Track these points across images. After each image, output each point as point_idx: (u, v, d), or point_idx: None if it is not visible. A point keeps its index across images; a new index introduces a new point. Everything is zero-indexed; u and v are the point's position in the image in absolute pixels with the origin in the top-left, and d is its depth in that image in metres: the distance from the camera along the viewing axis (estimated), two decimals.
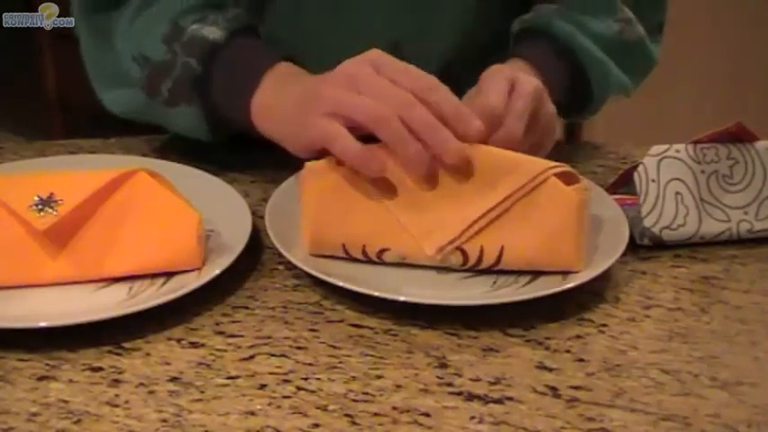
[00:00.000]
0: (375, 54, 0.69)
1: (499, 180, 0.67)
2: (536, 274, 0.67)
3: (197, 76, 0.79)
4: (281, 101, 0.74)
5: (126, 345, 0.61)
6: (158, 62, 0.80)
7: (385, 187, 0.68)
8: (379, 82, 0.66)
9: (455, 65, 0.90)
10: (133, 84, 0.82)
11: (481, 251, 0.67)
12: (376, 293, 0.64)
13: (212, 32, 0.78)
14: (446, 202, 0.67)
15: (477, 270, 0.68)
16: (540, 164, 0.67)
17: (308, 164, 0.72)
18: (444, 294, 0.66)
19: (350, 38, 0.84)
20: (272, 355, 0.61)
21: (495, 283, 0.67)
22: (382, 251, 0.68)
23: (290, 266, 0.70)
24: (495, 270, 0.68)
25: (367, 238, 0.68)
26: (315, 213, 0.68)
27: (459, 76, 0.90)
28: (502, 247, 0.66)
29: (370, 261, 0.69)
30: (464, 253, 0.67)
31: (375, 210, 0.68)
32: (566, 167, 0.68)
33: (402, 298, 0.64)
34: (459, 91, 0.91)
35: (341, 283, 0.65)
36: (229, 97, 0.78)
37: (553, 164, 0.68)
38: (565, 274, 0.67)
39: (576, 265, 0.67)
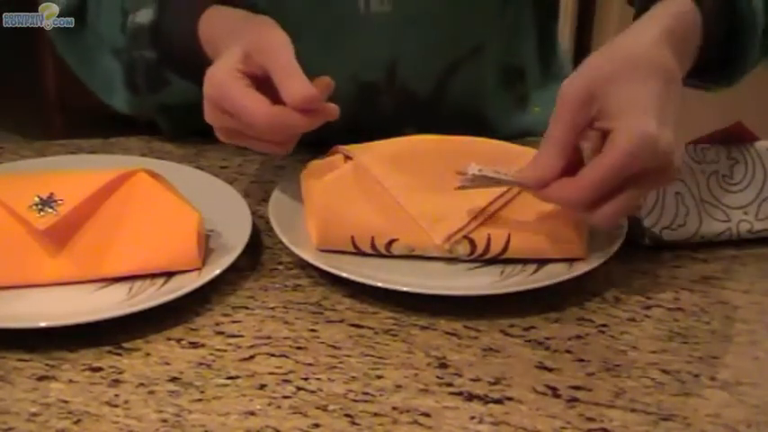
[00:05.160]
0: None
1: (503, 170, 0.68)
2: (542, 262, 0.68)
3: (156, 60, 0.80)
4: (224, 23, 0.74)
5: (126, 345, 0.61)
6: (125, 55, 0.82)
7: (391, 180, 0.69)
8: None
9: (448, 81, 0.90)
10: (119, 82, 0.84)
11: (488, 240, 0.68)
12: (381, 284, 0.64)
13: (145, 16, 0.79)
14: (452, 193, 0.68)
15: (484, 260, 0.69)
16: None
17: (310, 162, 0.73)
18: (453, 284, 0.67)
19: (345, 60, 0.84)
20: (272, 355, 0.61)
21: (502, 272, 0.68)
22: (391, 242, 0.68)
23: (290, 266, 0.70)
24: (501, 259, 0.68)
25: (375, 229, 0.68)
26: (322, 207, 0.69)
27: (453, 92, 0.90)
28: (509, 236, 0.68)
29: (378, 254, 0.69)
30: (472, 242, 0.68)
31: (382, 202, 0.69)
32: None
33: (405, 289, 0.64)
34: (452, 105, 0.90)
35: (347, 275, 0.65)
36: (181, 43, 0.77)
37: None
38: (570, 262, 0.68)
39: (580, 252, 0.68)
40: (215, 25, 0.74)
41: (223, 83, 0.66)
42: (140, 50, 0.80)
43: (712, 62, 0.73)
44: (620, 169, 0.60)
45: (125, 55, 0.82)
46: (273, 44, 0.67)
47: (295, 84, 0.65)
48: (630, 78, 0.62)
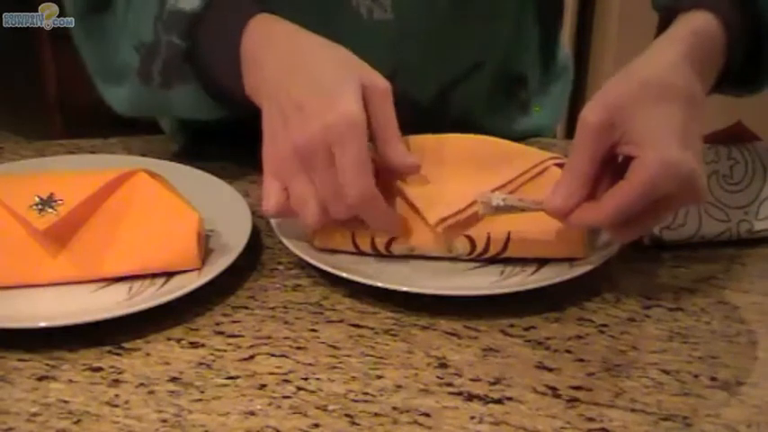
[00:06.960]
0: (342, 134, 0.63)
1: (503, 165, 0.70)
2: (542, 262, 0.68)
3: (184, 52, 0.75)
4: (267, 65, 0.69)
5: (126, 345, 0.61)
6: (148, 44, 0.77)
7: (391, 178, 0.69)
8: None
9: (450, 91, 0.89)
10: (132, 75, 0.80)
11: (488, 239, 0.68)
12: (381, 284, 0.64)
13: (189, 3, 0.74)
14: (452, 185, 0.68)
15: (484, 259, 0.69)
16: (541, 154, 0.71)
17: None
18: (453, 284, 0.67)
19: None
20: (272, 355, 0.61)
21: (502, 272, 0.68)
22: (391, 242, 0.68)
23: (290, 266, 0.70)
24: (501, 259, 0.68)
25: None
26: None
27: (455, 101, 0.90)
28: (508, 234, 0.67)
29: (377, 254, 0.69)
30: (471, 241, 0.68)
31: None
32: (565, 159, 0.69)
33: (405, 289, 0.64)
34: (454, 114, 0.89)
35: (347, 275, 0.65)
36: (219, 63, 0.74)
37: (553, 155, 0.71)
38: (570, 262, 0.68)
39: (580, 251, 0.68)
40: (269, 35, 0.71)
41: (360, 126, 0.63)
42: (171, 36, 0.75)
43: (740, 72, 0.72)
44: (641, 197, 0.60)
45: (153, 37, 0.76)
46: (381, 91, 0.66)
47: (403, 147, 0.67)
48: (651, 103, 0.62)
